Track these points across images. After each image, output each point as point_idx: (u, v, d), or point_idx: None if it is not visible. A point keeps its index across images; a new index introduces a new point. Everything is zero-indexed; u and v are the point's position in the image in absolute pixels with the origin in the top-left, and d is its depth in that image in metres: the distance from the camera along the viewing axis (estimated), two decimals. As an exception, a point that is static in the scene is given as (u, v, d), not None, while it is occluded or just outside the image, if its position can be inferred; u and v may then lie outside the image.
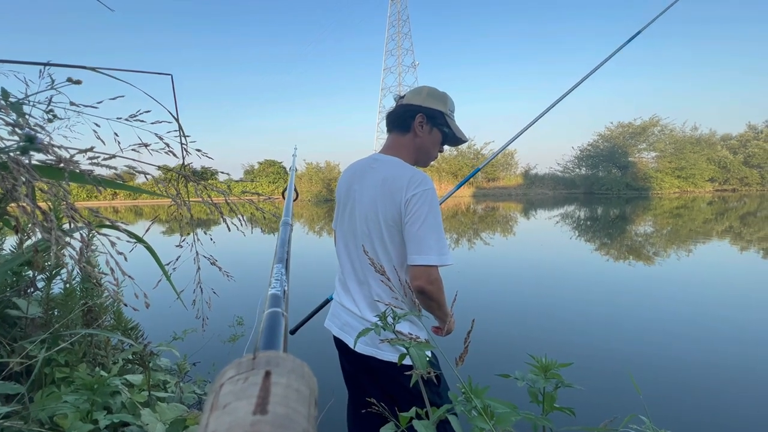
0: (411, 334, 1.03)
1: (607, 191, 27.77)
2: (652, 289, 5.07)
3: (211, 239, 0.62)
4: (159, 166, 0.48)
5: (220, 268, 0.59)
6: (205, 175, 0.58)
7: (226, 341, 3.37)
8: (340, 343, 1.20)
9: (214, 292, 0.62)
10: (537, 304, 4.46)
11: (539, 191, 30.38)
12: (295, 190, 1.16)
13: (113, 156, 0.42)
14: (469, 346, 0.69)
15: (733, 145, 30.39)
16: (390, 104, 1.28)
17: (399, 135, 1.17)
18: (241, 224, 0.55)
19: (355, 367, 1.17)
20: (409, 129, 1.15)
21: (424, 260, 0.98)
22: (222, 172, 0.58)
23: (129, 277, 0.40)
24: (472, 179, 31.20)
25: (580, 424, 0.88)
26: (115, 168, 0.41)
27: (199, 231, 0.59)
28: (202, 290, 0.61)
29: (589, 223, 13.23)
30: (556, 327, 3.72)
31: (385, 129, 1.25)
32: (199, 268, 0.54)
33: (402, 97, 1.21)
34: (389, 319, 0.57)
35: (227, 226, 0.51)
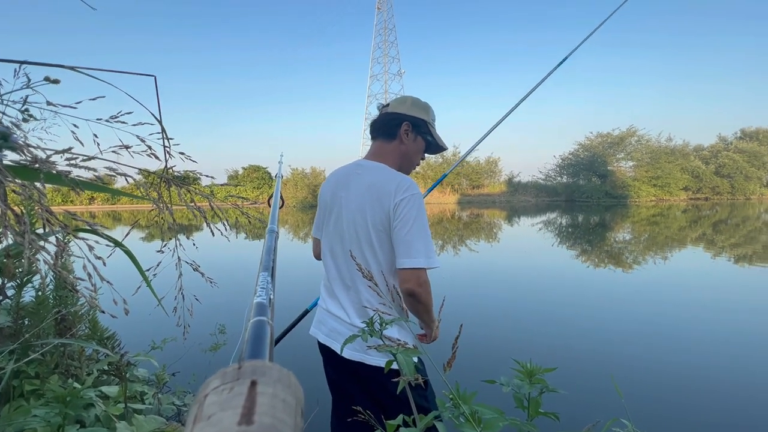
0: (399, 340, 1.03)
1: (588, 199, 28.51)
2: (631, 294, 5.21)
3: (194, 244, 0.61)
4: (140, 169, 0.47)
5: (202, 274, 0.57)
6: (188, 179, 0.57)
7: (207, 350, 3.28)
8: (325, 350, 1.18)
9: (197, 299, 0.60)
10: (522, 310, 4.52)
11: (522, 198, 30.94)
12: (281, 197, 1.14)
13: (92, 158, 0.41)
14: (457, 351, 0.69)
15: (705, 156, 31.70)
16: (376, 112, 1.30)
17: (384, 142, 1.19)
18: (226, 229, 0.54)
19: (341, 374, 1.15)
20: (395, 136, 1.18)
21: (413, 263, 0.99)
22: (206, 176, 0.57)
23: (107, 282, 0.39)
24: (457, 186, 31.64)
25: (564, 429, 0.88)
26: (95, 170, 0.40)
27: (181, 236, 0.58)
28: (183, 297, 0.59)
29: (570, 230, 13.53)
30: (540, 331, 3.77)
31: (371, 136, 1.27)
32: (180, 274, 0.53)
33: (386, 106, 1.24)
34: (376, 325, 0.56)
35: (211, 231, 0.49)
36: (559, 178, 32.37)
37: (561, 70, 1.77)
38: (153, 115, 0.51)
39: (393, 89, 44.60)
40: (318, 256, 1.32)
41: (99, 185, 0.42)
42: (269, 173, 35.43)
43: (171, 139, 0.53)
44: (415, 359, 1.11)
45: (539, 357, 3.18)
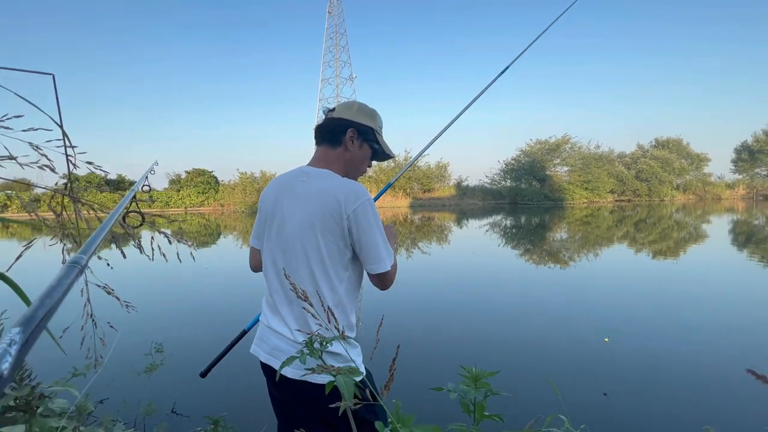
0: (347, 354, 1.00)
1: (529, 201, 30.47)
2: (568, 290, 5.62)
3: (108, 264, 0.54)
4: (29, 183, 0.40)
5: (118, 299, 0.51)
6: (99, 185, 0.50)
7: (141, 373, 3.00)
8: (268, 370, 1.12)
9: (111, 326, 0.53)
10: (471, 311, 4.68)
11: (470, 202, 32.27)
12: (141, 214, 0.92)
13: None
14: (407, 360, 0.68)
15: (626, 162, 35.39)
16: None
17: (329, 148, 1.16)
18: (145, 249, 0.48)
19: (286, 394, 1.09)
20: (340, 143, 1.15)
21: (382, 268, 1.06)
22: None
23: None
24: (409, 190, 32.23)
25: (508, 429, 0.92)
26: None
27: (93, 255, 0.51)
28: (95, 324, 0.52)
29: (514, 231, 14.34)
30: (488, 333, 3.93)
31: None
32: (88, 302, 0.46)
33: (332, 110, 1.20)
34: (317, 344, 0.53)
35: (122, 253, 0.44)
36: (503, 182, 34.28)
37: (505, 77, 1.85)
38: (53, 119, 0.45)
39: (345, 93, 44.50)
40: (256, 268, 1.25)
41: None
42: (215, 177, 33.47)
43: (75, 146, 0.47)
44: (363, 373, 1.09)
45: (487, 358, 3.31)
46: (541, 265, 7.56)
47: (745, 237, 11.07)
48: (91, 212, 0.42)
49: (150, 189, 1.30)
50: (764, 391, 2.39)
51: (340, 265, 1.06)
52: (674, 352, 3.24)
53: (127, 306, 0.51)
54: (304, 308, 0.66)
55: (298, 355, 0.52)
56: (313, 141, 1.22)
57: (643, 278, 6.25)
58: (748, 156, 37.99)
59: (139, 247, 0.45)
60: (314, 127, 1.21)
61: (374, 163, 1.29)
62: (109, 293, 0.51)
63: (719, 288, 5.46)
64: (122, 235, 0.53)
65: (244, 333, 1.42)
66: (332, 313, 1.05)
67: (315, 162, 1.16)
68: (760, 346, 3.35)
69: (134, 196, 0.97)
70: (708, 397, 2.56)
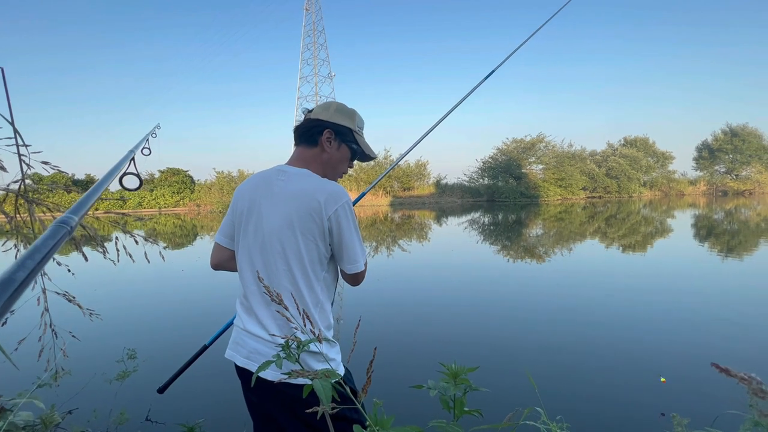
0: (327, 355, 0.99)
1: (506, 199, 31.11)
2: (544, 284, 5.78)
3: (69, 270, 0.51)
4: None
5: (80, 306, 0.49)
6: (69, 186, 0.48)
7: (112, 380, 2.87)
8: (245, 375, 1.09)
9: (73, 336, 0.50)
10: (449, 308, 4.74)
11: (449, 199, 32.66)
12: (139, 177, 0.90)
13: None
14: (384, 358, 0.68)
15: (597, 160, 36.73)
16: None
17: (306, 148, 1.16)
18: (108, 250, 0.46)
19: (265, 398, 1.07)
20: (317, 144, 1.15)
21: (357, 269, 1.10)
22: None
23: None
24: (389, 189, 32.30)
25: (487, 423, 0.93)
26: None
27: (50, 262, 0.48)
28: (55, 334, 0.49)
29: (492, 228, 14.61)
30: (465, 330, 3.99)
31: None
32: (46, 310, 0.44)
33: (310, 111, 1.20)
34: (293, 346, 0.52)
35: (83, 256, 0.41)
36: (481, 180, 34.84)
37: (489, 80, 1.87)
38: (3, 117, 0.42)
39: (324, 92, 44.04)
40: (217, 266, 1.22)
41: None
42: (190, 176, 32.39)
43: (28, 145, 0.44)
44: (342, 373, 1.09)
45: (467, 354, 3.36)
46: (518, 260, 7.74)
47: (706, 231, 11.70)
48: (48, 213, 0.39)
49: (150, 152, 1.24)
50: (725, 379, 2.54)
51: (319, 264, 1.07)
52: (642, 342, 3.38)
53: (90, 314, 0.48)
54: (278, 311, 0.65)
55: (274, 359, 0.51)
56: (293, 140, 1.20)
57: (613, 272, 6.51)
58: (708, 154, 40.16)
59: (104, 250, 0.43)
60: (293, 127, 1.20)
61: (355, 162, 1.29)
62: (70, 301, 0.48)
63: (684, 280, 5.75)
64: (85, 238, 0.50)
65: (204, 348, 1.37)
66: (311, 313, 1.05)
67: (293, 161, 1.16)
68: (723, 334, 3.55)
69: (133, 159, 0.91)
70: (673, 384, 2.69)
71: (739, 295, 4.84)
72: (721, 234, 10.66)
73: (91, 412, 2.40)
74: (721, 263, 6.86)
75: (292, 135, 1.20)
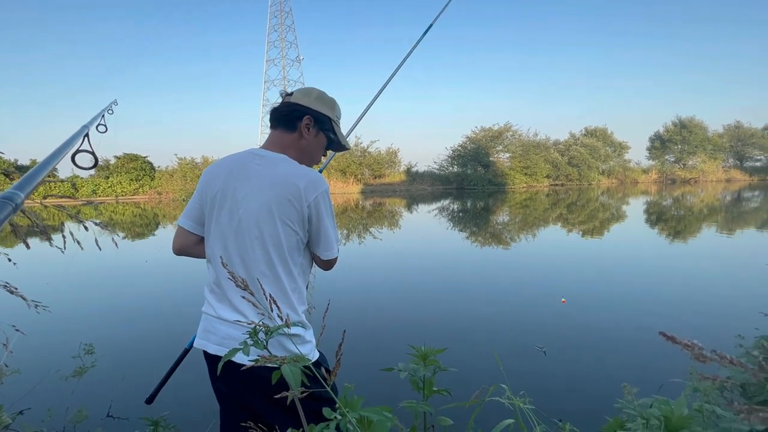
0: (303, 337, 0.99)
1: (474, 186, 31.84)
2: (507, 268, 6.01)
3: (10, 260, 0.47)
4: None
5: (24, 298, 0.45)
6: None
7: (68, 377, 2.72)
8: (217, 363, 1.07)
9: (17, 330, 0.47)
10: (418, 292, 4.83)
11: (420, 187, 33.00)
12: (95, 155, 0.83)
13: None
14: (357, 344, 0.69)
15: (560, 149, 38.27)
16: (275, 98, 1.22)
17: (284, 133, 1.13)
18: (54, 238, 0.43)
19: (237, 384, 1.05)
20: (295, 129, 1.13)
21: (332, 255, 1.13)
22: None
23: None
24: (360, 176, 32.16)
25: (455, 401, 0.97)
26: None
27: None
28: (-3, 329, 0.45)
29: (461, 214, 14.94)
30: (433, 312, 4.09)
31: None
32: (-17, 302, 0.40)
33: (290, 95, 1.17)
34: (261, 335, 0.51)
35: (25, 243, 0.38)
36: (450, 168, 35.38)
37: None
38: None
39: (292, 75, 42.66)
40: (181, 251, 1.18)
41: None
42: (150, 163, 30.56)
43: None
44: (317, 355, 1.09)
45: (436, 335, 3.46)
46: (486, 246, 7.99)
47: (656, 216, 12.56)
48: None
49: (106, 130, 1.14)
50: (671, 353, 2.77)
51: (296, 250, 1.08)
52: (599, 320, 3.62)
53: (36, 306, 0.45)
54: (243, 296, 0.63)
55: (252, 342, 0.50)
56: (261, 125, 1.17)
57: (574, 254, 6.87)
58: (660, 144, 42.80)
59: (48, 237, 0.40)
60: (270, 109, 1.17)
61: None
62: (11, 292, 0.44)
63: (638, 261, 6.16)
64: (28, 227, 0.46)
65: (186, 352, 1.32)
66: (290, 298, 1.05)
67: (269, 145, 1.13)
68: (671, 312, 3.86)
69: (87, 135, 0.82)
70: (627, 358, 2.90)
71: (684, 273, 5.26)
72: (669, 219, 11.49)
73: (45, 411, 2.27)
74: (669, 245, 7.41)
75: (268, 117, 1.18)
